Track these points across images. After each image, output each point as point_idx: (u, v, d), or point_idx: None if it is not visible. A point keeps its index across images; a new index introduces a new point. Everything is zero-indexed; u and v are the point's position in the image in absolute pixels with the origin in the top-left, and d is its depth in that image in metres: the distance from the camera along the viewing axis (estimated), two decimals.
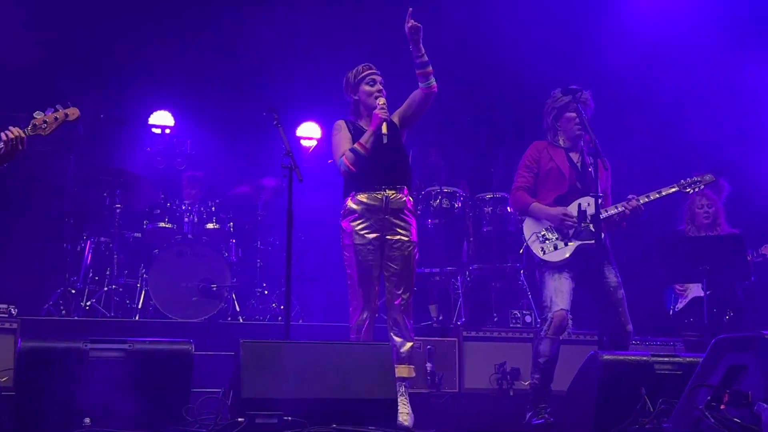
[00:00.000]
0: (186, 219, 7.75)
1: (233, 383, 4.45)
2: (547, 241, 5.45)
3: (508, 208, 7.56)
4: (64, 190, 8.01)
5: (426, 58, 5.05)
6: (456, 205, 7.71)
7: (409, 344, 5.18)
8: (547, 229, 5.48)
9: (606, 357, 4.68)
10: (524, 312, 7.14)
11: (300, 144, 9.43)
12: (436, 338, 6.83)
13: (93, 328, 6.63)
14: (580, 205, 5.40)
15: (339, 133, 5.26)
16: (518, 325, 7.07)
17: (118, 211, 7.68)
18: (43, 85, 7.97)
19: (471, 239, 7.77)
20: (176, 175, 8.69)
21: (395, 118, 5.31)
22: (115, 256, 7.58)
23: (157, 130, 9.07)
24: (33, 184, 8.51)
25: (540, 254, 5.45)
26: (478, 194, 7.81)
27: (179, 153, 8.97)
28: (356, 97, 5.30)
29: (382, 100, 5.13)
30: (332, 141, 5.31)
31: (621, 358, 4.75)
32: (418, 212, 7.87)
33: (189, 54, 8.98)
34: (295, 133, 9.38)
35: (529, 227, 5.55)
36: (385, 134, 5.00)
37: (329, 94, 9.35)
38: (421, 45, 5.01)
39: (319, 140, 9.55)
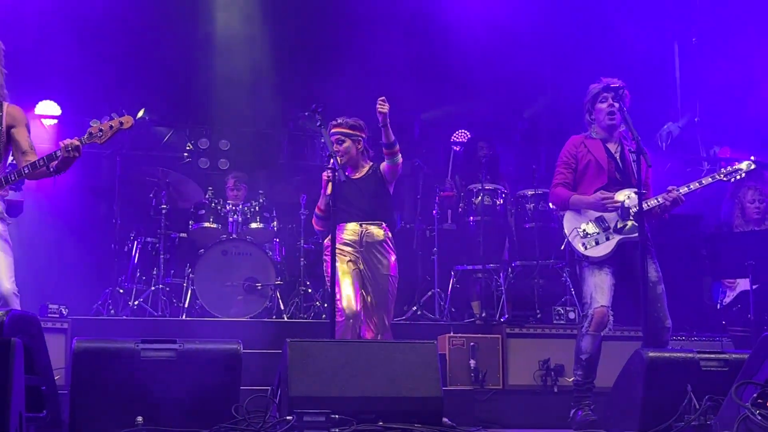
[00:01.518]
0: (231, 219, 7.86)
1: (281, 382, 4.52)
2: (588, 236, 5.38)
3: (550, 204, 7.55)
4: (111, 192, 8.16)
5: (393, 138, 5.52)
6: (498, 202, 7.72)
7: None
8: (588, 224, 5.41)
9: (651, 354, 4.65)
10: (568, 308, 7.12)
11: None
12: (479, 335, 6.84)
13: (141, 328, 6.77)
14: (621, 197, 5.37)
15: (322, 189, 5.78)
16: (562, 322, 7.05)
17: (164, 211, 7.81)
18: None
19: (513, 236, 7.77)
20: (221, 176, 8.80)
21: (382, 166, 5.73)
22: (162, 256, 7.71)
23: None
24: (81, 186, 8.68)
25: (581, 250, 5.38)
26: (520, 191, 7.80)
27: (222, 153, 9.09)
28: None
29: (336, 160, 5.36)
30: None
31: (666, 355, 4.71)
32: (461, 210, 7.89)
33: None
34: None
35: (569, 222, 5.48)
36: (328, 194, 5.41)
37: (366, 94, 9.50)
38: (390, 130, 5.47)
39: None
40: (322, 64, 9.26)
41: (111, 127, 4.74)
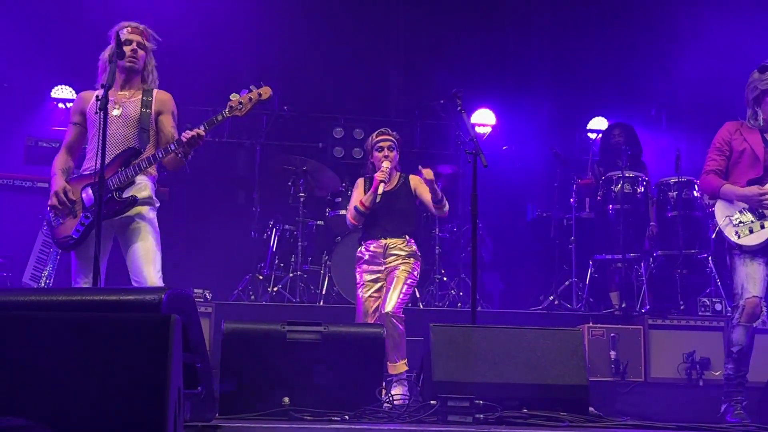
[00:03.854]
0: None
1: (424, 367, 4.51)
2: (741, 224, 5.18)
3: (695, 192, 7.28)
4: (251, 181, 8.35)
5: (440, 195, 5.83)
6: (638, 190, 7.50)
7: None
8: (741, 212, 5.21)
9: None
10: (714, 300, 6.87)
11: (475, 131, 9.42)
12: (620, 326, 6.69)
13: (281, 313, 6.91)
14: None
15: (355, 190, 6.14)
16: (708, 314, 6.82)
17: (301, 199, 7.93)
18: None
19: (654, 225, 7.53)
20: (355, 164, 8.88)
21: (413, 181, 6.04)
22: (300, 244, 7.83)
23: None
24: (223, 175, 8.94)
25: (734, 238, 5.18)
26: (663, 178, 7.55)
27: (357, 142, 9.16)
28: (372, 160, 6.08)
29: (385, 164, 5.86)
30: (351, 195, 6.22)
31: None
32: (599, 198, 7.71)
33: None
34: (470, 119, 9.37)
35: (721, 210, 5.29)
36: (379, 195, 5.79)
37: (504, 82, 9.42)
38: (438, 189, 5.80)
39: (493, 127, 9.52)
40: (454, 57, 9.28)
41: (250, 99, 4.82)
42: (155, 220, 4.82)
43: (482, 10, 9.54)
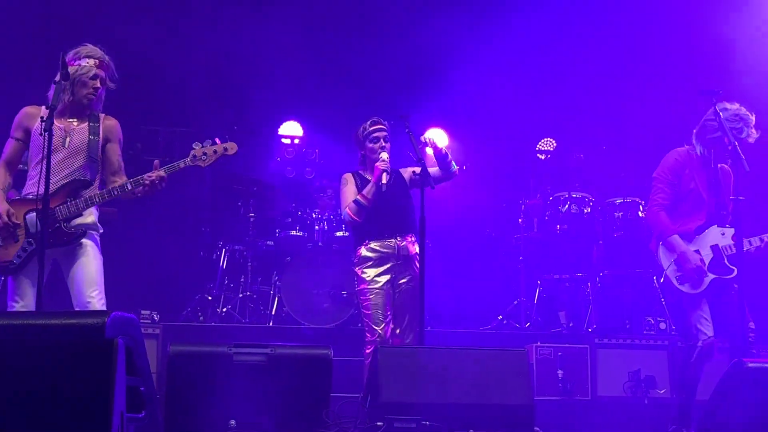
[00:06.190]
0: (316, 227, 7.91)
1: (370, 388, 4.52)
2: None
3: (640, 212, 7.42)
4: (200, 200, 8.31)
5: (444, 152, 5.57)
6: (585, 210, 7.62)
7: None
8: None
9: (752, 365, 4.53)
10: (658, 319, 6.98)
11: (425, 151, 9.47)
12: (567, 344, 6.75)
13: (229, 334, 6.87)
14: (715, 235, 5.32)
15: (345, 186, 5.66)
16: (652, 332, 6.92)
17: (251, 219, 7.92)
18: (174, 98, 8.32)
19: (601, 244, 7.65)
20: (306, 185, 8.88)
21: (405, 174, 5.71)
22: (249, 264, 7.81)
23: (287, 141, 9.28)
24: (171, 195, 8.83)
25: (677, 283, 5.30)
26: (608, 199, 7.68)
27: (308, 162, 9.17)
28: (363, 152, 5.69)
29: (384, 155, 5.46)
30: (340, 193, 5.72)
31: (767, 366, 4.58)
32: (547, 218, 7.82)
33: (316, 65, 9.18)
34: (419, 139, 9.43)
35: (666, 256, 5.38)
36: (384, 183, 5.33)
37: (455, 101, 9.50)
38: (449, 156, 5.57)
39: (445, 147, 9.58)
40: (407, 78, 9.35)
41: (215, 152, 4.80)
42: (98, 244, 4.77)
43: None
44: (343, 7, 9.04)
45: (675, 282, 5.31)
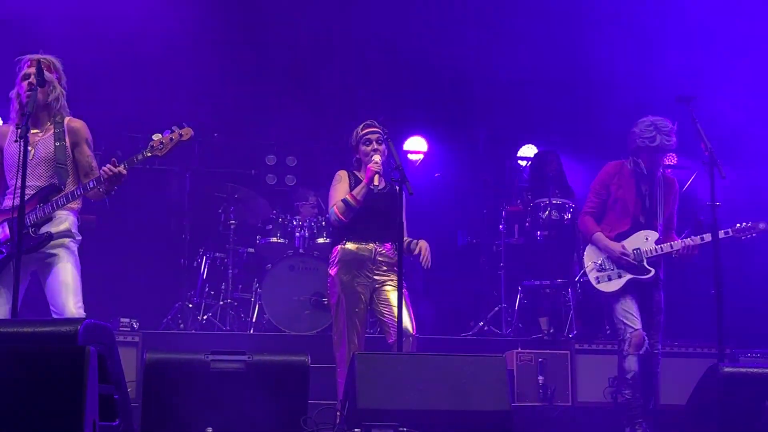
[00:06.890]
0: (297, 234, 7.88)
1: (348, 394, 4.51)
2: (603, 271, 5.75)
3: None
4: (181, 208, 8.29)
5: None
6: (566, 217, 7.64)
7: None
8: (605, 259, 5.76)
9: (727, 370, 4.56)
10: None
11: (407, 158, 9.52)
12: (548, 351, 6.77)
13: (210, 341, 6.84)
14: (639, 239, 5.71)
15: (338, 183, 5.55)
16: None
17: (232, 227, 7.90)
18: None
19: (581, 250, 7.66)
20: (287, 191, 8.87)
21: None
22: (230, 271, 7.79)
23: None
24: (151, 201, 8.83)
25: (594, 283, 5.77)
26: None
27: (289, 169, 9.17)
28: (357, 156, 5.61)
29: (376, 157, 5.39)
30: (330, 189, 5.59)
31: (743, 370, 4.63)
32: (528, 225, 7.84)
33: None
34: (402, 147, 9.48)
35: (589, 256, 5.87)
36: (375, 185, 5.27)
37: (435, 107, 9.53)
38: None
39: (425, 154, 9.62)
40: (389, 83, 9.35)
41: (171, 139, 4.80)
42: (76, 252, 4.76)
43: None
44: None
45: (593, 282, 5.77)
